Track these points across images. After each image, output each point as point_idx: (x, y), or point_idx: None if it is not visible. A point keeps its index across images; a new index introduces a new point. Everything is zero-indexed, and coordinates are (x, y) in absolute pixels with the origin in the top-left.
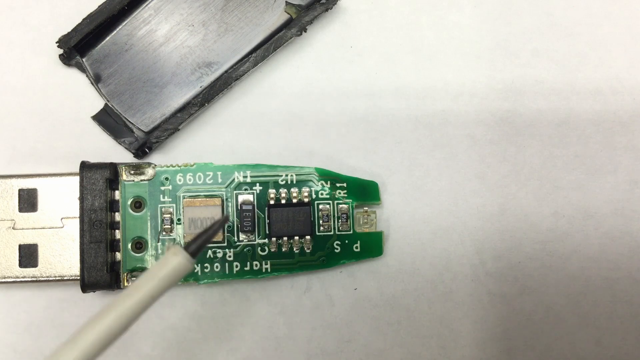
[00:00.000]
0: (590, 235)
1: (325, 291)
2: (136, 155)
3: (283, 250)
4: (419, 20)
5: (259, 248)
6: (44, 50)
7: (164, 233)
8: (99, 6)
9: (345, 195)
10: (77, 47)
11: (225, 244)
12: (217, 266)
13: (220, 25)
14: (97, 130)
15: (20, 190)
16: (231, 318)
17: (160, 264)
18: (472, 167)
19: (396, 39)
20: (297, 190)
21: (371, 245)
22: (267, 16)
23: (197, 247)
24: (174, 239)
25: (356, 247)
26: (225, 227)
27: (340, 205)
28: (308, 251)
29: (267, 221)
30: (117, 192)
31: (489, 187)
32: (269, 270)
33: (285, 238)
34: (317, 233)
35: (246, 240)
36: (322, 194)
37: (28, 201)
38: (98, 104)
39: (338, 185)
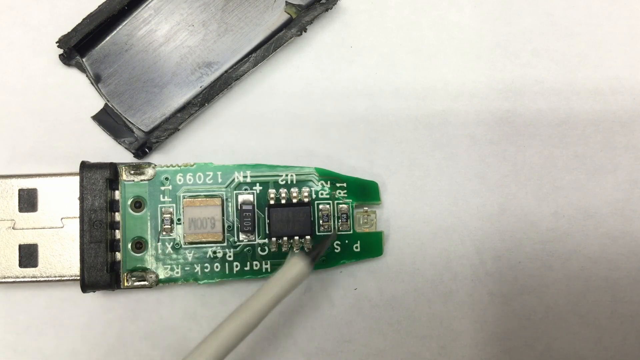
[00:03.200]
0: (590, 235)
1: (325, 291)
2: (136, 155)
3: (283, 250)
4: (419, 20)
5: (259, 248)
6: (44, 50)
7: (164, 233)
8: (99, 6)
9: (345, 195)
10: (77, 47)
11: (225, 244)
12: (217, 266)
13: (220, 25)
14: (97, 130)
15: (20, 190)
16: None
17: (284, 270)
18: (472, 167)
19: (396, 39)
20: (297, 190)
21: (371, 245)
22: (267, 16)
23: (315, 255)
24: (174, 239)
25: (356, 247)
26: (226, 227)
27: (340, 205)
28: (308, 251)
29: (267, 221)
30: (117, 192)
31: (489, 187)
32: (269, 270)
33: (285, 238)
34: (317, 233)
35: (246, 240)
36: (322, 194)
37: (28, 201)
38: (98, 104)
39: (338, 185)
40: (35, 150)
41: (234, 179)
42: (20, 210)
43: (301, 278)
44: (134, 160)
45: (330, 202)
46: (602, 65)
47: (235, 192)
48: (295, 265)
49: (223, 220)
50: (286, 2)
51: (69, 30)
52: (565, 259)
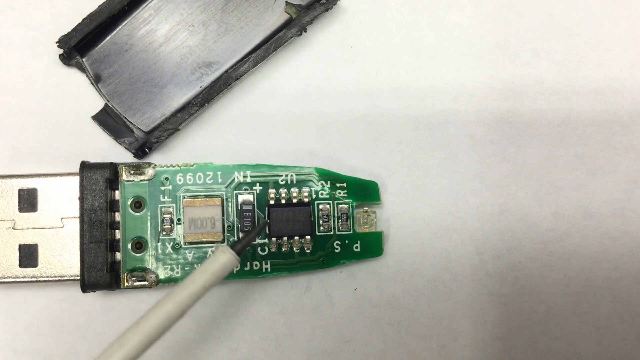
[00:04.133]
0: (590, 235)
1: (325, 291)
2: (136, 155)
3: (283, 250)
4: (419, 20)
5: (259, 248)
6: (44, 50)
7: (164, 233)
8: (99, 6)
9: (345, 195)
10: (77, 47)
11: (226, 244)
12: None
13: (220, 25)
14: (97, 130)
15: (20, 190)
16: (231, 318)
17: (210, 260)
18: (472, 167)
19: (396, 39)
20: (297, 190)
21: (371, 245)
22: (267, 16)
23: (241, 247)
24: (174, 239)
25: (356, 247)
26: (226, 227)
27: (340, 205)
28: (308, 251)
29: (267, 221)
30: (117, 192)
31: (489, 187)
32: (269, 270)
33: (285, 238)
34: (317, 233)
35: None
36: (322, 194)
37: (28, 201)
38: (98, 104)
39: (338, 185)
40: (35, 150)
41: (234, 179)
42: (20, 210)
43: (228, 268)
44: (134, 160)
45: (330, 202)
46: (602, 65)
47: (235, 192)
48: (221, 255)
49: (223, 220)
50: (286, 2)
51: (69, 30)
52: (565, 259)
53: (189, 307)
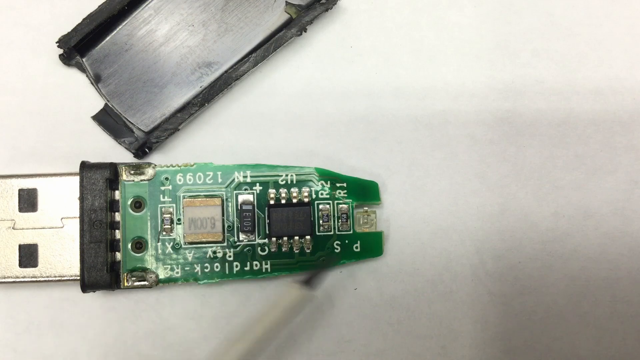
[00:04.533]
0: (590, 235)
1: (325, 291)
2: (136, 155)
3: (283, 250)
4: (419, 20)
5: (259, 248)
6: (44, 50)
7: (164, 233)
8: (99, 6)
9: (345, 195)
10: (77, 47)
11: (225, 244)
12: (217, 266)
13: (220, 25)
14: (97, 130)
15: (20, 190)
16: (231, 318)
17: (286, 299)
18: (472, 167)
19: (396, 39)
20: (297, 190)
21: (371, 245)
22: (267, 16)
23: (312, 280)
24: (174, 239)
25: (356, 247)
26: (226, 227)
27: (340, 205)
28: (308, 251)
29: (267, 221)
30: (117, 192)
31: (489, 187)
32: (269, 270)
33: (285, 238)
34: (317, 233)
35: (246, 240)
36: (322, 194)
37: (28, 201)
38: (98, 104)
39: (338, 185)
40: (35, 150)
41: (234, 179)
42: (20, 210)
43: (305, 303)
44: (134, 160)
45: (330, 202)
46: (602, 65)
47: (235, 192)
48: (297, 293)
49: (223, 220)
50: (286, 2)
51: (69, 30)
52: (565, 259)
53: (266, 345)
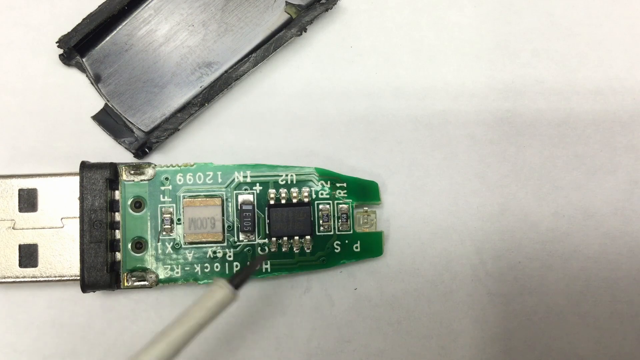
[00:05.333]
0: (590, 235)
1: (325, 291)
2: (136, 155)
3: (283, 250)
4: (419, 20)
5: (259, 248)
6: (44, 50)
7: (164, 233)
8: (99, 6)
9: (345, 195)
10: (77, 47)
11: (225, 244)
12: (217, 266)
13: (220, 25)
14: (97, 130)
15: (20, 190)
16: (231, 318)
17: (207, 296)
18: (472, 167)
19: (396, 39)
20: (297, 190)
21: (371, 245)
22: (267, 16)
23: (240, 280)
24: (174, 238)
25: (356, 247)
26: (226, 227)
27: (340, 205)
28: (308, 251)
29: (267, 221)
30: (117, 192)
31: (489, 187)
32: (269, 270)
33: (285, 238)
34: (317, 233)
35: (246, 240)
36: (322, 194)
37: (28, 201)
38: (98, 104)
39: (338, 185)
40: (35, 150)
41: (234, 179)
42: (20, 210)
43: (226, 304)
44: (134, 160)
45: (330, 202)
46: (602, 65)
47: (235, 192)
48: (219, 291)
49: (223, 220)
50: (286, 2)
51: (69, 30)
52: (565, 259)
53: (184, 346)
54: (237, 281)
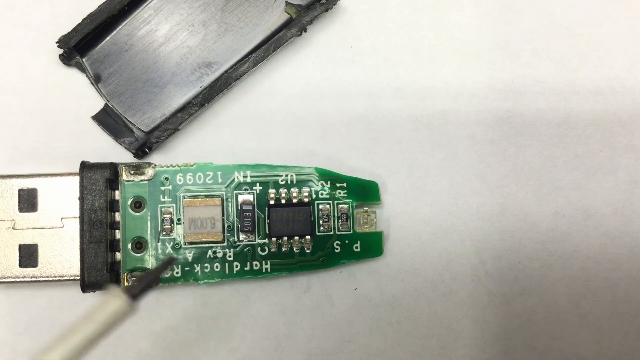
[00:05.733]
0: (590, 235)
1: (325, 291)
2: (136, 155)
3: (283, 250)
4: (419, 20)
5: (259, 248)
6: (44, 50)
7: (164, 233)
8: (99, 6)
9: (345, 195)
10: (77, 47)
11: (225, 244)
12: (217, 266)
13: (220, 25)
14: (97, 130)
15: (20, 190)
16: (231, 318)
17: (100, 307)
18: (472, 167)
19: (396, 39)
20: (297, 190)
21: (371, 245)
22: (267, 16)
23: (139, 290)
24: (174, 239)
25: (356, 247)
26: (226, 227)
27: (340, 205)
28: (308, 251)
29: (267, 221)
30: (117, 192)
31: (489, 187)
32: (269, 270)
33: (285, 238)
34: (317, 233)
35: (246, 240)
36: (322, 194)
37: (28, 201)
38: (98, 104)
39: (338, 185)
40: (35, 150)
41: (234, 179)
42: (20, 210)
43: (120, 315)
44: (134, 160)
45: (330, 202)
46: (602, 65)
47: (235, 192)
48: (113, 301)
49: (223, 220)
50: (286, 2)
51: (69, 30)
52: (565, 259)
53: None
54: (135, 291)
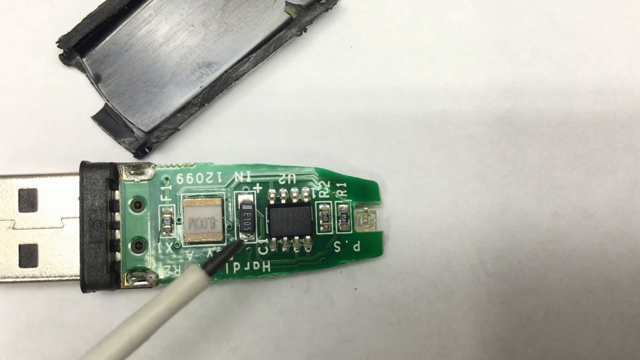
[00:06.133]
0: (590, 235)
1: (325, 291)
2: (136, 155)
3: (283, 250)
4: (419, 20)
5: (259, 248)
6: (44, 50)
7: (164, 233)
8: (99, 6)
9: (345, 195)
10: (77, 47)
11: (226, 244)
12: None
13: (220, 25)
14: (97, 130)
15: (20, 190)
16: (231, 318)
17: (179, 281)
18: (472, 167)
19: (396, 39)
20: (297, 190)
21: (371, 245)
22: (267, 16)
23: (213, 267)
24: (174, 238)
25: (356, 247)
26: (226, 227)
27: (340, 205)
28: (308, 251)
29: (267, 221)
30: (117, 192)
31: (489, 187)
32: (269, 270)
33: (285, 238)
34: (317, 233)
35: (246, 240)
36: (322, 194)
37: (28, 201)
38: (98, 104)
39: (338, 185)
40: (35, 150)
41: (234, 179)
42: (20, 210)
43: (197, 289)
44: (134, 160)
45: (330, 202)
46: (602, 65)
47: (235, 192)
48: (191, 275)
49: (223, 220)
50: (286, 2)
51: (69, 30)
52: (565, 259)
53: (154, 331)
54: (210, 267)
